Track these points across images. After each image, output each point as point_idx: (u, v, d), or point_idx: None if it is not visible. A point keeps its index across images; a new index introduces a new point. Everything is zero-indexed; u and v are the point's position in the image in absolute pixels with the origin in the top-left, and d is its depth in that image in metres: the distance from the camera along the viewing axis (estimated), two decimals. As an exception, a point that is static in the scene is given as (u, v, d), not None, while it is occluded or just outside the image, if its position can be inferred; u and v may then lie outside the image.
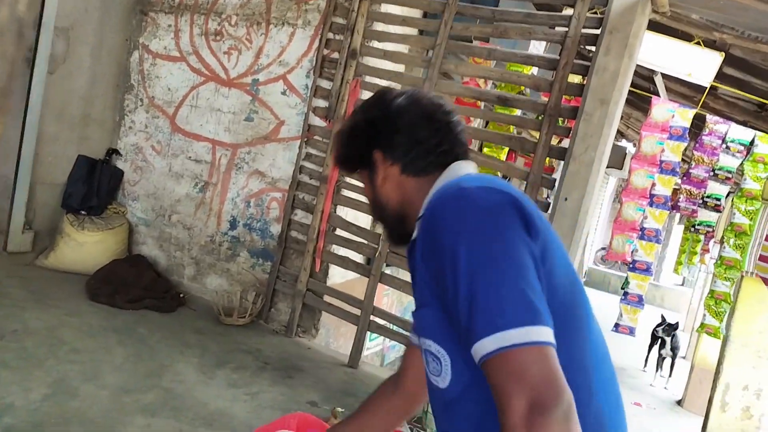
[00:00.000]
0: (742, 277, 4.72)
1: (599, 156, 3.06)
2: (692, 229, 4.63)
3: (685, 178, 4.53)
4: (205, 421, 2.60)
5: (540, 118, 3.27)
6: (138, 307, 3.77)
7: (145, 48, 4.61)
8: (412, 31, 4.00)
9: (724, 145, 4.32)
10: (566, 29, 3.16)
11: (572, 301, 1.00)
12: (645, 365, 7.63)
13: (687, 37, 3.90)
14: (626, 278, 4.53)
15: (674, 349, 6.97)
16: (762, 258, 4.10)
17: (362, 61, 3.80)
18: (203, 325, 3.76)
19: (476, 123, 4.40)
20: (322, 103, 3.91)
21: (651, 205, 4.21)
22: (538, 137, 3.26)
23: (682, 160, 4.50)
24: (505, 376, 0.82)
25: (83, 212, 4.35)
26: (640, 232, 4.23)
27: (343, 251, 3.89)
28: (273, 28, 4.09)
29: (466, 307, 0.87)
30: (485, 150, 4.19)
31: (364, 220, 4.11)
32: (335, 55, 3.85)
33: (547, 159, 3.29)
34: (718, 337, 4.32)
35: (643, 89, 5.72)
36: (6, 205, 4.06)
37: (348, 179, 3.77)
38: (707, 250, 7.32)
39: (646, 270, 4.34)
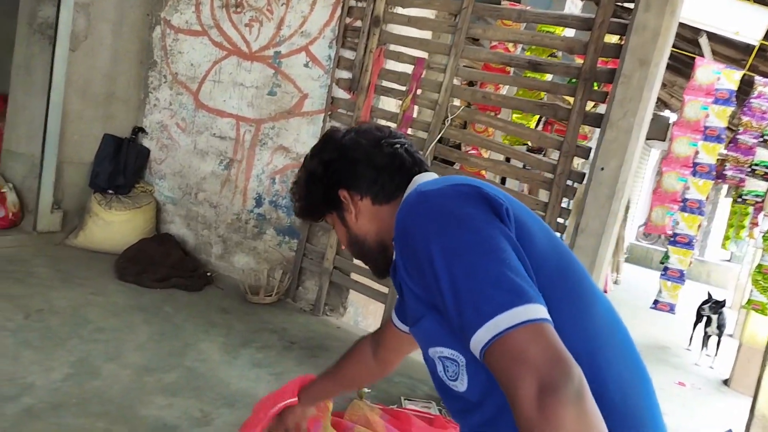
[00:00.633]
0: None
1: (639, 122, 2.85)
2: (739, 200, 4.36)
3: (731, 144, 4.24)
4: (227, 401, 2.54)
5: (574, 82, 3.07)
6: (165, 286, 3.75)
7: (167, 23, 4.54)
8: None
9: (775, 109, 4.02)
10: (602, -14, 2.94)
11: (563, 272, 0.97)
12: (690, 344, 7.36)
13: (735, -8, 3.62)
14: (666, 252, 4.29)
15: (721, 327, 6.68)
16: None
17: (386, 29, 3.64)
18: (229, 303, 3.72)
19: (505, 90, 4.20)
20: (345, 74, 3.77)
21: (694, 175, 3.95)
22: (571, 103, 3.06)
23: (729, 125, 4.21)
24: (505, 363, 0.77)
25: (111, 191, 4.34)
26: (681, 204, 3.98)
27: (369, 227, 3.78)
28: (294, -3, 3.96)
29: (453, 305, 0.85)
30: (514, 117, 3.99)
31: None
32: (358, 23, 3.70)
33: (582, 127, 3.10)
34: (766, 314, 4.07)
35: (687, 53, 5.40)
36: (34, 184, 4.07)
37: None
38: (756, 224, 6.96)
39: (688, 244, 4.10)
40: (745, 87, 4.85)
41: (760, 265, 4.02)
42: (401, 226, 0.96)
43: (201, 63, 4.39)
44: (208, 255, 4.37)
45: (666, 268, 4.32)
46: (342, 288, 3.85)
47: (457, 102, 3.73)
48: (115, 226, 4.20)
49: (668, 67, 6.21)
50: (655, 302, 4.36)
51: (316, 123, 3.88)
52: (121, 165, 4.42)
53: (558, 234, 2.45)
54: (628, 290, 9.76)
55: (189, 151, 4.47)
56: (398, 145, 1.18)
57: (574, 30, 3.53)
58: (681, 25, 3.96)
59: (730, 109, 3.94)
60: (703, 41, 4.89)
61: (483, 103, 3.52)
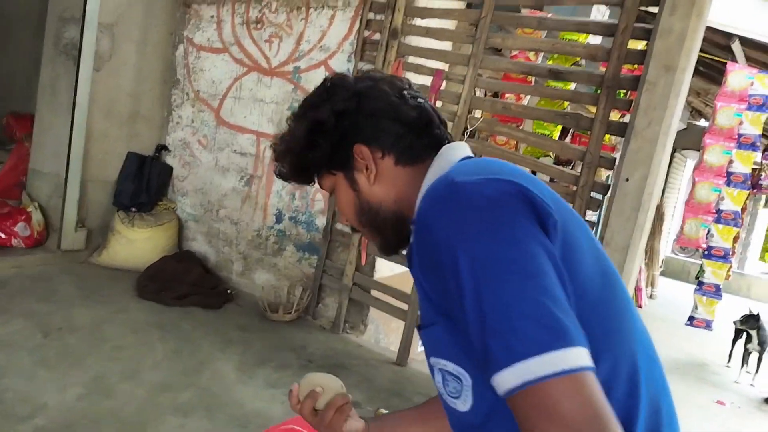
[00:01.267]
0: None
1: (665, 130, 2.73)
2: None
3: (767, 153, 4.05)
4: (240, 423, 2.48)
5: (597, 91, 2.97)
6: (185, 303, 3.73)
7: (190, 41, 4.58)
8: (456, 5, 3.76)
9: (813, 115, 3.82)
10: (625, -10, 2.84)
11: (608, 303, 0.81)
12: (729, 360, 7.07)
13: (768, -7, 3.47)
14: (701, 266, 4.09)
15: (762, 344, 6.39)
16: None
17: (404, 41, 3.59)
18: (248, 321, 3.68)
19: (526, 100, 4.10)
20: (363, 87, 3.73)
21: (728, 185, 3.76)
22: (595, 112, 2.96)
23: (764, 133, 4.03)
24: (533, 414, 0.66)
25: (133, 209, 4.37)
26: (716, 215, 3.80)
27: (390, 242, 3.70)
28: (313, 11, 3.95)
29: (477, 329, 0.70)
30: (534, 128, 3.89)
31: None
32: (376, 36, 3.67)
33: (606, 136, 2.98)
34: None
35: (720, 59, 5.23)
36: (59, 203, 4.12)
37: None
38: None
39: (723, 257, 3.91)
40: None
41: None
42: (423, 217, 0.79)
43: (222, 80, 4.41)
44: (229, 272, 4.35)
45: (701, 283, 4.12)
46: (362, 305, 3.78)
47: (478, 114, 3.66)
48: (137, 243, 4.22)
49: (701, 74, 6.04)
50: (691, 318, 4.17)
51: (335, 137, 3.84)
52: (144, 183, 4.45)
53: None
54: (664, 305, 9.45)
55: (210, 168, 4.47)
56: (422, 99, 1.01)
57: (600, 37, 3.43)
58: (712, 30, 3.83)
59: (765, 116, 3.76)
60: (736, 46, 4.72)
61: (503, 114, 3.44)
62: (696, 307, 4.12)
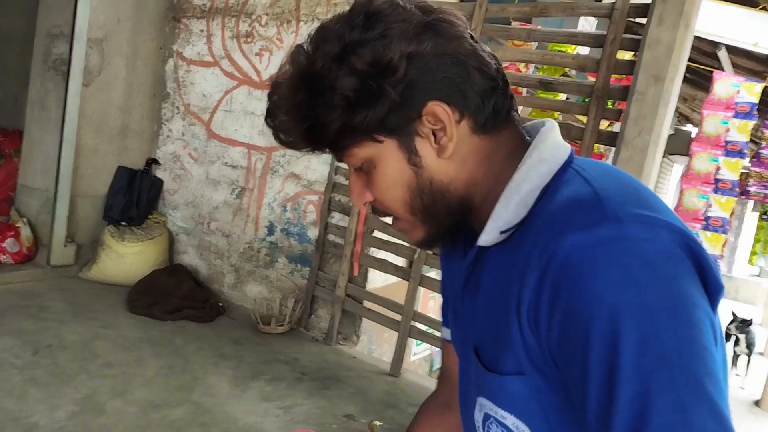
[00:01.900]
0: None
1: (655, 139, 2.75)
2: (765, 217, 4.20)
3: (754, 159, 4.09)
4: (234, 438, 2.47)
5: (587, 101, 2.99)
6: (176, 317, 3.70)
7: (179, 55, 4.57)
8: (447, 19, 3.78)
9: (799, 121, 3.88)
10: (613, 0, 2.87)
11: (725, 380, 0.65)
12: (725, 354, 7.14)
13: (751, 3, 3.51)
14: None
15: (750, 346, 6.46)
16: None
17: (394, 53, 3.60)
18: (241, 334, 3.66)
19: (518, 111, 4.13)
20: (354, 99, 3.73)
21: (716, 192, 3.80)
22: (585, 122, 2.98)
23: (751, 140, 4.07)
24: None
25: (124, 223, 4.34)
26: (704, 222, 3.84)
27: (382, 254, 3.71)
28: (303, 25, 3.96)
29: (626, 426, 0.54)
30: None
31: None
32: (366, 48, 3.68)
33: (597, 146, 3.01)
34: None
35: (707, 67, 5.29)
36: (48, 219, 4.09)
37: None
38: (786, 238, 6.75)
39: (714, 263, 3.95)
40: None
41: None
42: (574, 259, 0.58)
43: (213, 93, 4.40)
44: (221, 285, 4.33)
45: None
46: (355, 316, 3.77)
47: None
48: (128, 258, 4.19)
49: (688, 81, 6.11)
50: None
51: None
52: (135, 197, 4.43)
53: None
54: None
55: (201, 181, 4.46)
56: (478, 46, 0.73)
57: (587, 47, 3.47)
58: (698, 38, 3.87)
59: (751, 123, 3.81)
60: (722, 54, 4.78)
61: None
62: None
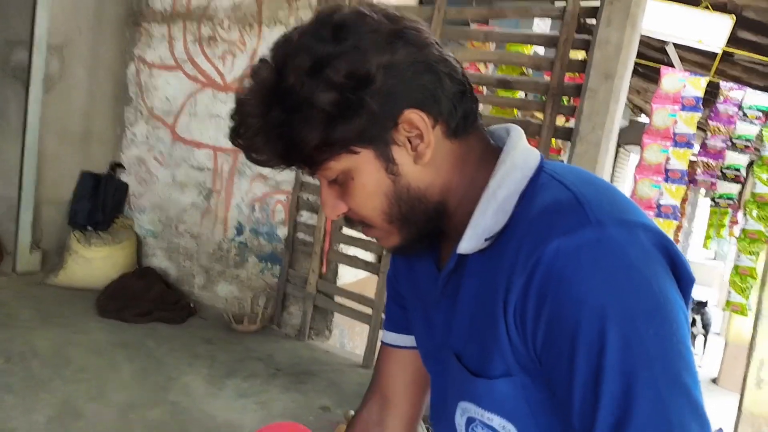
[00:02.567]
0: (771, 249, 4.49)
1: (606, 134, 2.91)
2: (712, 203, 4.43)
3: (701, 150, 4.32)
4: (213, 435, 2.53)
5: (543, 98, 3.13)
6: (147, 320, 3.72)
7: (141, 59, 4.57)
8: (407, 20, 3.88)
9: (741, 113, 4.11)
10: (564, 3, 3.02)
11: None
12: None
13: (694, 2, 3.71)
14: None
15: (706, 327, 6.78)
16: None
17: (357, 54, 3.69)
18: (213, 334, 3.70)
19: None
20: (319, 100, 3.80)
21: (666, 181, 4.01)
22: (542, 119, 3.12)
23: (699, 129, 4.30)
24: None
25: (90, 228, 4.33)
26: (657, 210, 4.04)
27: (352, 250, 3.80)
28: (266, 28, 4.01)
29: (611, 422, 0.58)
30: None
31: (371, 216, 4.01)
32: (329, 50, 3.75)
33: (554, 140, 3.15)
34: (745, 315, 4.10)
35: (657, 61, 5.52)
36: (12, 226, 4.06)
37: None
38: (736, 222, 7.07)
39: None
40: (714, 91, 4.96)
41: (736, 267, 4.08)
42: (559, 263, 0.61)
43: (176, 97, 4.41)
44: (191, 286, 4.36)
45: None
46: (326, 312, 3.85)
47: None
48: (95, 262, 4.18)
49: (641, 75, 6.35)
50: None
51: (293, 150, 3.90)
52: (100, 201, 4.42)
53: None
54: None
55: (168, 184, 4.47)
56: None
57: (543, 48, 3.61)
58: (648, 36, 4.06)
59: (698, 115, 4.02)
60: (670, 49, 5.01)
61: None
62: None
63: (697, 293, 7.15)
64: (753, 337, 5.35)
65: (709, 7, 3.70)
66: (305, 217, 3.88)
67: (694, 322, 6.87)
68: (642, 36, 3.38)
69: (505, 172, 0.71)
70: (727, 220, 6.54)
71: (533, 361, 0.66)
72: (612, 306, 0.59)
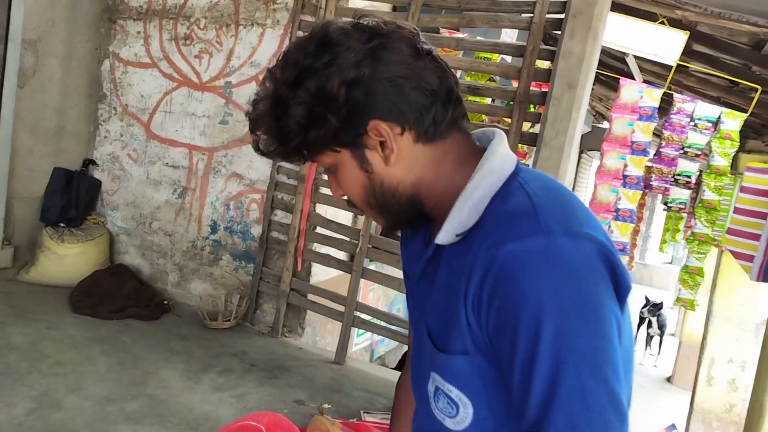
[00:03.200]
0: (722, 252, 4.77)
1: (569, 141, 3.09)
2: (665, 208, 4.69)
3: (656, 157, 4.57)
4: (191, 426, 2.61)
5: (510, 105, 3.29)
6: (121, 316, 3.76)
7: (116, 56, 4.59)
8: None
9: (692, 123, 4.37)
10: (531, 15, 3.18)
11: (629, 373, 0.84)
12: (634, 345, 7.73)
13: (651, 17, 3.93)
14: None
15: (661, 328, 7.05)
16: (730, 231, 4.15)
17: (332, 59, 3.79)
18: (188, 330, 3.76)
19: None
20: (294, 102, 3.90)
21: (624, 186, 4.24)
22: (509, 124, 3.28)
23: (654, 136, 4.55)
24: None
25: (62, 225, 4.34)
26: (615, 213, 4.27)
27: (324, 249, 3.90)
28: (242, 29, 4.08)
29: (540, 399, 0.71)
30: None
31: (345, 216, 4.12)
32: (305, 53, 3.84)
33: (520, 145, 3.32)
34: (694, 309, 4.37)
35: (618, 71, 5.76)
36: (-17, 222, 4.04)
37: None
38: (691, 227, 7.40)
39: (623, 250, 4.38)
40: (670, 101, 5.22)
41: (686, 266, 4.33)
42: (511, 264, 0.73)
43: (152, 94, 4.45)
44: (164, 283, 4.40)
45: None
46: (299, 309, 3.95)
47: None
48: (68, 259, 4.19)
49: (603, 83, 6.61)
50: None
51: (268, 150, 3.99)
52: (73, 198, 4.42)
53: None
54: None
55: (142, 182, 4.50)
56: (436, 55, 0.87)
57: (511, 57, 3.77)
58: (610, 48, 4.27)
59: (653, 125, 4.26)
60: (630, 60, 5.24)
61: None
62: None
63: (654, 295, 7.44)
64: (704, 337, 5.64)
65: (665, 22, 3.93)
66: (280, 216, 3.97)
67: (650, 324, 7.15)
68: (604, 47, 3.58)
69: (482, 175, 0.83)
70: (682, 225, 6.87)
71: (486, 343, 0.78)
72: (549, 303, 0.71)
